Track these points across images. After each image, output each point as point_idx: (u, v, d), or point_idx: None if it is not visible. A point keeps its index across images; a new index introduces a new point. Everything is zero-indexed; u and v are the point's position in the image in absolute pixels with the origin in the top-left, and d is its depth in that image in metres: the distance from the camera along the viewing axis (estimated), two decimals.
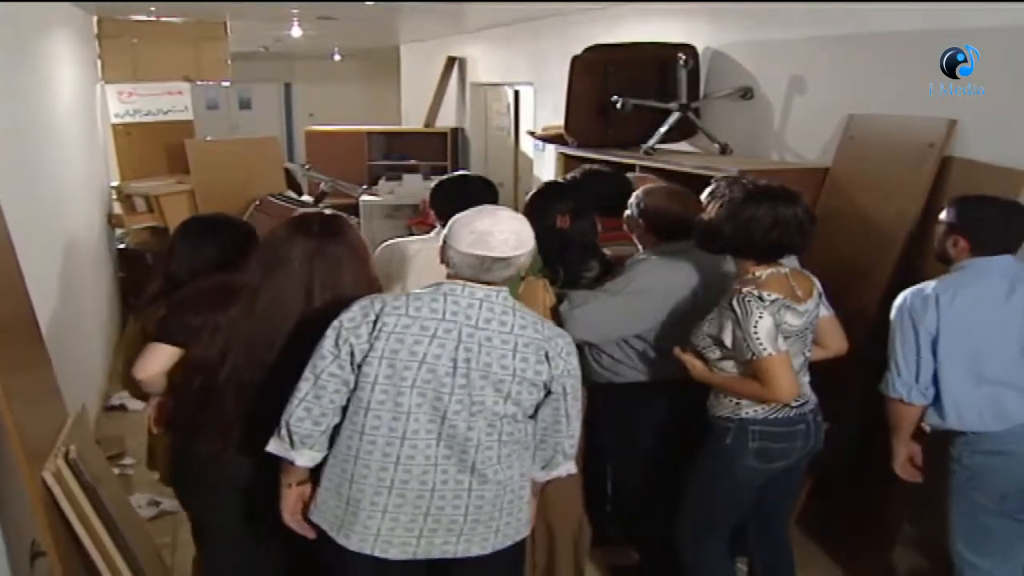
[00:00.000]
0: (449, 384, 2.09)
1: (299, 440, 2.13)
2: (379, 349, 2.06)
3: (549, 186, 3.35)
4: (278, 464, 2.22)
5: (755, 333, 2.48)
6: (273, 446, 2.17)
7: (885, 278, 3.45)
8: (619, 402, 3.15)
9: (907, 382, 2.66)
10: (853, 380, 3.35)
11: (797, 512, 3.59)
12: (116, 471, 3.94)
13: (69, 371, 3.64)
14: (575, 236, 3.09)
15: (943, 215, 2.75)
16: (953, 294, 2.61)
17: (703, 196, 2.74)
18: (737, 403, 2.66)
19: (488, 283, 2.14)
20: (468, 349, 2.09)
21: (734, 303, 2.53)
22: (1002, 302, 2.62)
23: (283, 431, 2.14)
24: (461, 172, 3.71)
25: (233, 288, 2.39)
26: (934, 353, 2.63)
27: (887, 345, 2.73)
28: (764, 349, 2.49)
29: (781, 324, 2.54)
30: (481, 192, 3.27)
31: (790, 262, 2.76)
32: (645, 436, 3.14)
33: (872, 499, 3.42)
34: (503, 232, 2.11)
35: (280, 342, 2.35)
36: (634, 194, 3.13)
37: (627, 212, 3.14)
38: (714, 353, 2.65)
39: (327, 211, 3.01)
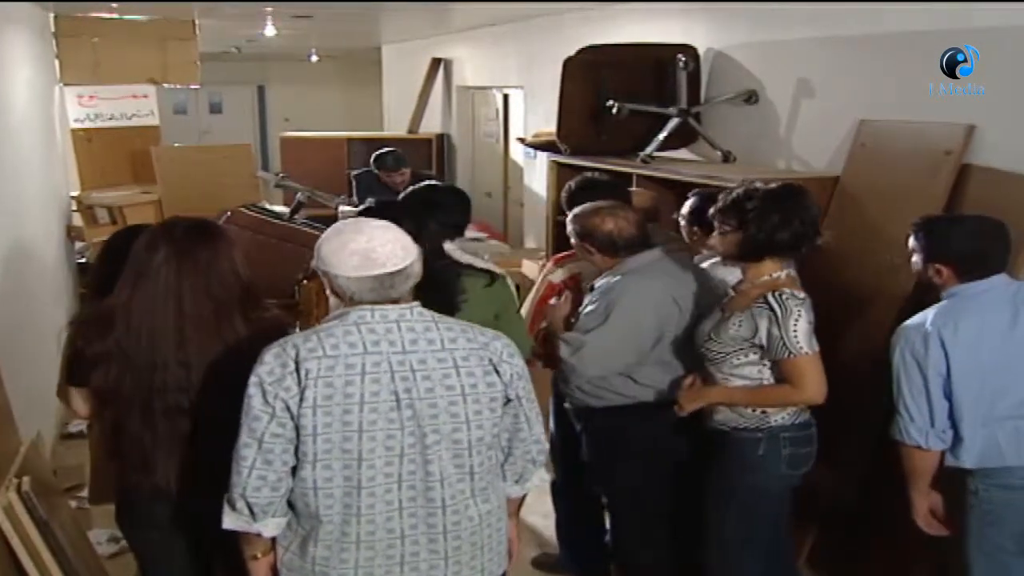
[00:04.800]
0: (397, 420, 2.04)
1: (260, 511, 2.07)
2: (310, 399, 2.00)
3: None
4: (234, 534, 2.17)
5: (794, 332, 2.61)
6: (231, 522, 2.10)
7: (900, 296, 3.43)
8: (601, 425, 3.20)
9: (922, 427, 2.61)
10: (864, 408, 3.34)
11: (806, 551, 3.58)
12: (73, 504, 3.89)
13: (24, 395, 3.60)
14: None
15: (911, 243, 2.73)
16: (954, 327, 2.57)
17: (714, 208, 2.82)
18: (764, 412, 2.77)
19: (395, 301, 2.10)
20: (404, 378, 2.04)
21: (771, 300, 2.65)
22: (1007, 330, 2.60)
23: (239, 504, 2.06)
24: (428, 182, 3.67)
25: (106, 311, 2.37)
26: (947, 394, 2.58)
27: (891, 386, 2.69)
28: (801, 348, 2.62)
29: (811, 322, 2.67)
30: (451, 202, 3.25)
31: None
32: (630, 460, 3.17)
33: (884, 534, 3.40)
34: (384, 244, 2.07)
35: (163, 358, 2.34)
36: (567, 221, 3.21)
37: (572, 240, 3.22)
38: (738, 358, 2.74)
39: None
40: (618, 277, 3.07)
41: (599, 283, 3.15)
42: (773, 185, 2.80)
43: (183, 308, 2.35)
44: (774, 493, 2.84)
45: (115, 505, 2.61)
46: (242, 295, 2.42)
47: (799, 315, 2.62)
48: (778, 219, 2.68)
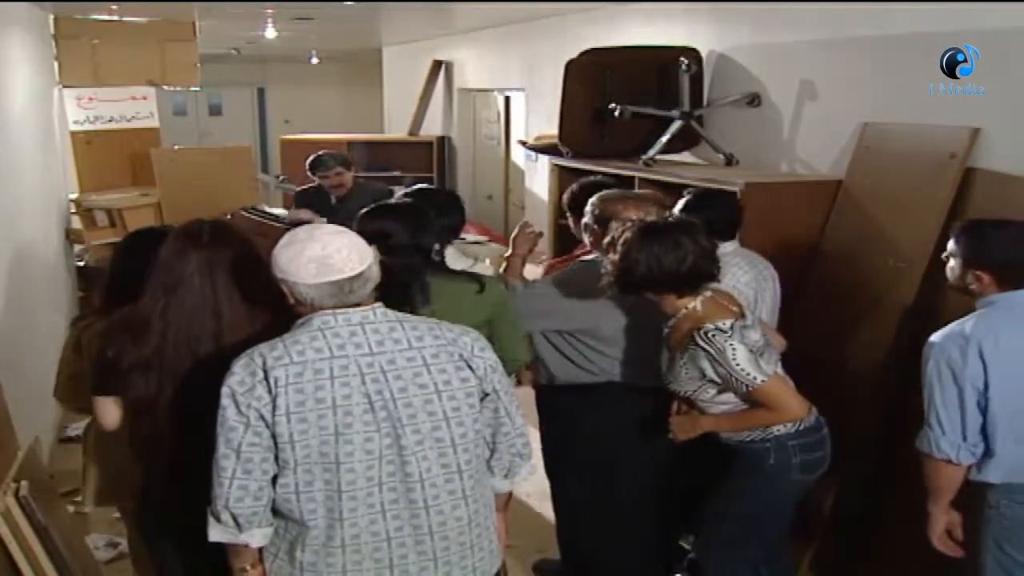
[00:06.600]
0: (372, 422, 2.05)
1: (245, 521, 2.07)
2: (282, 407, 2.01)
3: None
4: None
5: (738, 366, 2.56)
6: (217, 535, 2.11)
7: (903, 303, 3.43)
8: (560, 403, 3.22)
9: (953, 441, 2.52)
10: (866, 413, 3.34)
11: (809, 557, 3.58)
12: (71, 509, 3.89)
13: (22, 399, 3.61)
14: (401, 268, 2.72)
15: (951, 246, 2.64)
16: (995, 339, 2.47)
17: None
18: None
19: (356, 305, 2.11)
20: (375, 380, 2.06)
21: (700, 342, 2.59)
22: None
23: (223, 516, 2.07)
24: (420, 186, 3.66)
25: (140, 319, 2.37)
26: (982, 408, 2.50)
27: (920, 394, 2.61)
28: (755, 378, 2.57)
29: (751, 346, 2.62)
30: (447, 205, 3.25)
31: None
32: (586, 442, 3.17)
33: (886, 540, 3.41)
34: (339, 250, 2.08)
35: (204, 365, 2.33)
36: (590, 201, 3.22)
37: (584, 220, 3.22)
38: (708, 392, 2.70)
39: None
40: (594, 259, 3.07)
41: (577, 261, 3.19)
42: (650, 219, 2.80)
43: (220, 314, 2.36)
44: (783, 500, 2.84)
45: (137, 511, 2.63)
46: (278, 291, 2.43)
47: (734, 348, 2.56)
48: (641, 258, 2.64)
